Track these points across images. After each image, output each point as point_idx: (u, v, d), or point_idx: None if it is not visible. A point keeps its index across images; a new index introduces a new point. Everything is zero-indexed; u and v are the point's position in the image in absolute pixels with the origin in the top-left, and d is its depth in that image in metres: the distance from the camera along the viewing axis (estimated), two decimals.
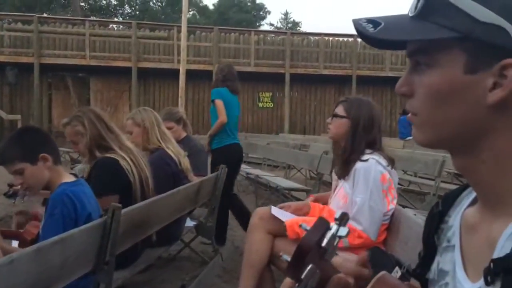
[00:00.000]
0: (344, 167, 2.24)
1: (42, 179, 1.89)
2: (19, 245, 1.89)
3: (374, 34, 0.63)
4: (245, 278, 2.34)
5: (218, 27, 18.58)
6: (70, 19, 19.65)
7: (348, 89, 18.12)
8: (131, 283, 3.28)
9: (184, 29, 9.60)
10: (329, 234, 0.55)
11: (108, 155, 2.43)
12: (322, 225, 0.55)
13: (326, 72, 18.19)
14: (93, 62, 17.03)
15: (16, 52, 16.84)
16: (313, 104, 18.94)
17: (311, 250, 0.53)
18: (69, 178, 1.95)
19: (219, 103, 4.19)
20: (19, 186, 2.22)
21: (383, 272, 0.72)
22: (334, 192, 2.41)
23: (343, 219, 0.57)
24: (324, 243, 0.54)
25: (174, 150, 3.04)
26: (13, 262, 1.32)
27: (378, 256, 0.85)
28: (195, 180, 3.20)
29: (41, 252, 1.47)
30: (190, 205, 3.15)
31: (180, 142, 3.62)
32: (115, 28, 20.39)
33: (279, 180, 6.19)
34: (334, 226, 0.56)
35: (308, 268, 0.52)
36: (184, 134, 3.92)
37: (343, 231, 0.57)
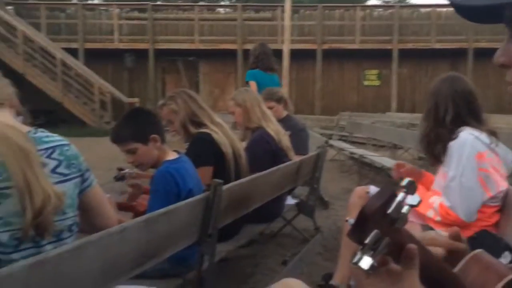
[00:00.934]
0: (432, 147, 2.12)
1: (152, 158, 2.05)
2: (133, 217, 2.07)
3: (464, 1, 0.59)
4: (343, 256, 2.34)
5: (322, 4, 18.26)
6: (181, 5, 20.61)
7: (463, 63, 16.88)
8: (235, 256, 3.44)
9: (288, 8, 9.59)
10: (395, 201, 0.54)
11: (202, 130, 2.58)
12: (387, 191, 0.54)
13: (438, 46, 17.10)
14: (202, 46, 17.77)
15: (133, 39, 18.13)
16: (424, 80, 17.94)
17: (374, 214, 0.52)
18: (172, 156, 2.09)
19: (252, 84, 4.34)
20: (126, 170, 2.44)
21: (480, 250, 0.69)
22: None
23: (410, 187, 0.56)
24: (390, 210, 0.53)
25: (274, 129, 3.09)
26: (124, 231, 1.46)
27: (486, 239, 0.81)
28: (296, 159, 3.23)
29: (150, 223, 1.60)
30: (290, 183, 3.19)
31: (280, 121, 3.67)
32: (222, 12, 21.01)
33: (384, 160, 6.00)
34: (400, 194, 0.55)
35: (373, 233, 0.52)
36: (284, 114, 3.96)
37: (412, 199, 0.55)
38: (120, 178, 2.59)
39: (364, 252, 0.52)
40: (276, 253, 3.57)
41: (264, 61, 4.64)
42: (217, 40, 17.94)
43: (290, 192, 3.57)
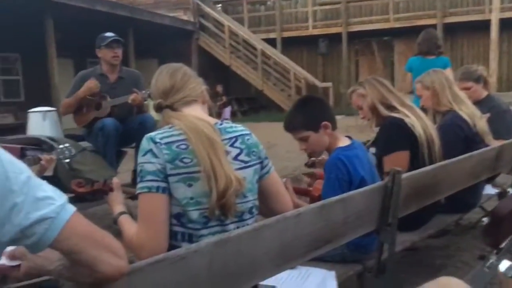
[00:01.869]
0: None
1: (323, 145, 2.08)
2: (309, 202, 2.14)
3: None
4: None
5: None
6: None
7: None
8: (424, 246, 3.28)
9: None
10: None
11: (392, 114, 2.50)
12: None
13: None
14: (397, 24, 17.04)
15: (326, 24, 18.39)
16: None
17: (506, 217, 0.46)
18: (344, 142, 2.08)
19: (408, 75, 4.56)
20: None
21: None
22: None
23: None
24: None
25: (468, 112, 2.82)
26: (300, 216, 1.53)
27: None
28: (495, 144, 2.90)
29: (325, 209, 1.64)
30: (488, 171, 2.88)
31: (479, 102, 3.32)
32: None
33: None
34: None
35: (509, 238, 0.45)
36: (484, 94, 3.56)
37: None
38: (311, 164, 2.70)
39: (501, 256, 0.46)
40: (472, 246, 3.28)
41: (422, 46, 4.72)
42: (414, 17, 16.98)
43: (490, 180, 3.23)
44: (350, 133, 2.50)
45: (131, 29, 13.91)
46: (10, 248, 0.97)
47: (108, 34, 3.98)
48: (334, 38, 17.95)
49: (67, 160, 2.90)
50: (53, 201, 0.90)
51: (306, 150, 2.14)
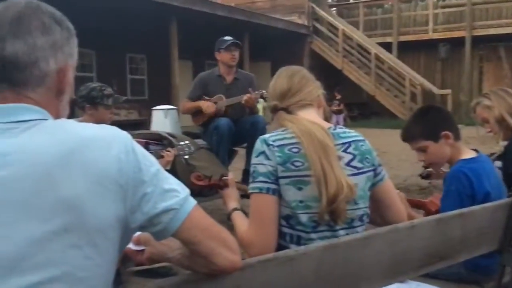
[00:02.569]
0: None
1: (443, 156, 1.96)
2: (424, 215, 2.03)
3: None
4: None
5: None
6: None
7: None
8: None
9: None
10: None
11: None
12: None
13: None
14: None
15: (448, 28, 17.37)
16: None
17: None
18: (469, 154, 1.94)
19: None
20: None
21: None
22: None
23: None
24: None
25: None
26: (414, 228, 1.47)
27: None
28: None
29: (442, 223, 1.55)
30: None
31: None
32: None
33: None
34: None
35: None
36: None
37: None
38: (425, 176, 2.57)
39: None
40: None
41: None
42: None
43: None
44: (471, 144, 2.35)
45: (247, 33, 14.37)
46: (136, 234, 1.05)
47: (227, 37, 4.16)
48: (456, 43, 16.89)
49: (186, 157, 3.09)
50: (178, 194, 0.96)
51: (424, 161, 2.04)
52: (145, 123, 11.47)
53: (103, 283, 0.90)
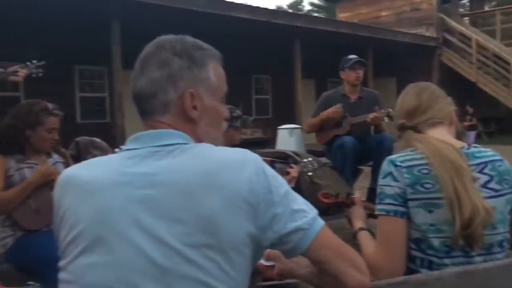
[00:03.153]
0: None
1: None
2: None
3: None
4: None
5: None
6: None
7: None
8: None
9: None
10: None
11: None
12: None
13: None
14: None
15: None
16: None
17: None
18: None
19: None
20: None
21: None
22: None
23: None
24: None
25: None
26: None
27: None
28: None
29: None
30: None
31: None
32: None
33: None
34: None
35: None
36: None
37: None
38: None
39: None
40: None
41: None
42: None
43: None
44: None
45: (371, 49, 14.12)
46: (267, 250, 1.10)
47: (351, 56, 4.15)
48: None
49: (310, 174, 3.13)
50: (306, 214, 1.00)
51: None
52: (269, 141, 11.80)
53: None
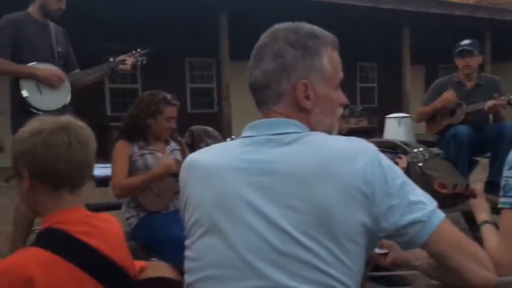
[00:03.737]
0: None
1: None
2: None
3: None
4: None
5: None
6: None
7: None
8: None
9: None
10: None
11: None
12: None
13: None
14: None
15: None
16: None
17: None
18: None
19: None
20: None
21: None
22: None
23: None
24: None
25: None
26: None
27: None
28: None
29: None
30: None
31: None
32: None
33: None
34: None
35: None
36: None
37: None
38: None
39: None
40: None
41: None
42: None
43: None
44: None
45: (489, 32, 13.04)
46: None
47: (464, 41, 3.90)
48: None
49: (420, 164, 3.00)
50: (425, 206, 0.97)
51: None
52: (375, 130, 11.48)
53: (353, 283, 0.97)
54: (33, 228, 3.05)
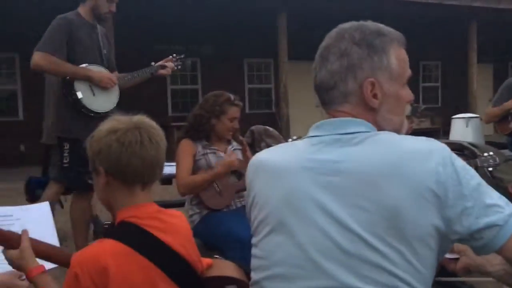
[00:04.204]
0: None
1: None
2: None
3: None
4: None
5: None
6: None
7: None
8: None
9: None
10: None
11: None
12: None
13: None
14: None
15: None
16: None
17: None
18: None
19: None
20: None
21: None
22: None
23: None
24: None
25: None
26: None
27: None
28: None
29: None
30: None
31: None
32: None
33: None
34: None
35: None
36: None
37: None
38: None
39: None
40: None
41: None
42: None
43: None
44: None
45: None
46: None
47: None
48: None
49: (490, 169, 2.86)
50: (501, 209, 0.93)
51: None
52: (438, 132, 11.08)
53: (423, 286, 0.94)
54: (104, 223, 3.17)
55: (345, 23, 1.11)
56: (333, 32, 1.11)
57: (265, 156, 1.13)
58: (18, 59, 9.31)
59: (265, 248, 1.03)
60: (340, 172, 0.98)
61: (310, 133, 1.10)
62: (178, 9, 9.38)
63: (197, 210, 2.74)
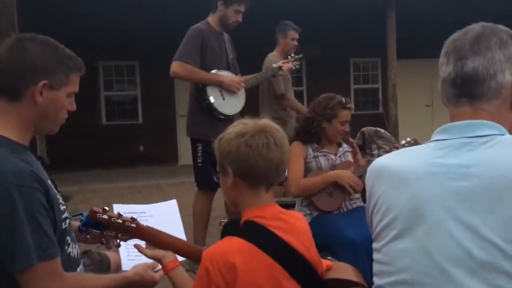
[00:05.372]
0: None
1: None
2: None
3: None
4: None
5: None
6: None
7: None
8: None
9: None
10: None
11: None
12: None
13: None
14: None
15: None
16: None
17: None
18: None
19: None
20: None
21: None
22: None
23: None
24: None
25: None
26: None
27: None
28: None
29: None
30: None
31: None
32: None
33: None
34: None
35: None
36: None
37: None
38: None
39: None
40: None
41: None
42: None
43: None
44: None
45: None
46: None
47: None
48: None
49: None
50: None
51: None
52: None
53: None
54: (220, 221, 3.34)
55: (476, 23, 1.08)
56: (479, 26, 1.06)
57: (386, 161, 1.12)
58: (137, 66, 10.06)
59: (390, 254, 1.03)
60: (471, 177, 0.95)
61: (435, 137, 1.07)
62: (286, 10, 9.48)
63: (308, 211, 2.77)
